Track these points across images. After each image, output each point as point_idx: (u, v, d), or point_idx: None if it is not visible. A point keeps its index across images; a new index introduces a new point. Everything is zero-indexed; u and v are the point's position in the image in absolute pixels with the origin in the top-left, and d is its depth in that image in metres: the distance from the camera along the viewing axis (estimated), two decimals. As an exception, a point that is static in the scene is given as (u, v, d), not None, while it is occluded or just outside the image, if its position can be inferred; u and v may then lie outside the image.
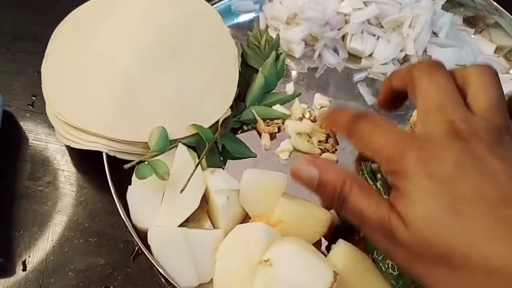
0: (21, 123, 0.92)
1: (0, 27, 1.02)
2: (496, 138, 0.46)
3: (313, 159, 0.54)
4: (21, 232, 0.80)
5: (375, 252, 0.75)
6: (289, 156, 0.90)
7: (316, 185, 0.54)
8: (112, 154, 0.79)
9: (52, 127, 0.85)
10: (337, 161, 0.89)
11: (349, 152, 0.90)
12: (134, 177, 0.77)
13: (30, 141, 0.90)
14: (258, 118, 0.90)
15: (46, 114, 0.84)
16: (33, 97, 0.94)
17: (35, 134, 0.91)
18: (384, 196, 0.81)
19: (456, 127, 0.46)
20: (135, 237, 0.73)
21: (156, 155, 0.78)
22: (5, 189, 0.84)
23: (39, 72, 0.90)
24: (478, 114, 0.49)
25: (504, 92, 0.97)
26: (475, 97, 0.50)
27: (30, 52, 0.99)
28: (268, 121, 0.91)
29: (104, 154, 0.79)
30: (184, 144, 0.80)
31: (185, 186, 0.75)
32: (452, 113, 0.47)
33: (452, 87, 0.49)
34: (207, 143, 0.81)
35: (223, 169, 0.87)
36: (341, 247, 0.75)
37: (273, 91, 0.96)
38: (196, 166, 0.77)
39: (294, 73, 1.00)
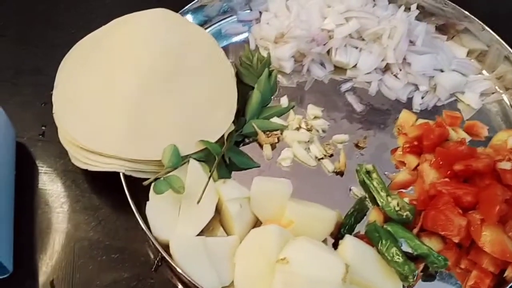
0: (34, 153, 0.96)
1: (3, 62, 1.07)
2: None
3: None
4: (46, 254, 0.85)
5: (380, 243, 0.82)
6: (290, 163, 0.96)
7: None
8: (128, 173, 0.84)
9: (64, 153, 0.90)
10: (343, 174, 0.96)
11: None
12: (151, 193, 0.82)
13: (44, 168, 0.94)
14: (259, 131, 0.97)
15: (57, 142, 0.90)
16: (42, 127, 0.99)
17: (49, 162, 0.95)
18: (381, 193, 0.89)
19: None
20: (159, 248, 0.78)
21: (170, 171, 0.83)
22: (26, 216, 0.88)
23: (46, 103, 0.96)
24: None
25: (481, 91, 1.07)
26: None
27: (35, 84, 1.04)
28: (267, 132, 0.98)
29: (121, 174, 0.84)
30: (195, 159, 0.87)
31: (201, 197, 0.81)
32: None
33: None
34: (216, 156, 0.87)
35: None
36: (349, 242, 0.82)
37: (269, 105, 1.03)
38: (209, 178, 0.83)
39: (286, 87, 1.07)
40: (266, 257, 0.78)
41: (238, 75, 1.04)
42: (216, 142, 0.90)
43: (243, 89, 1.03)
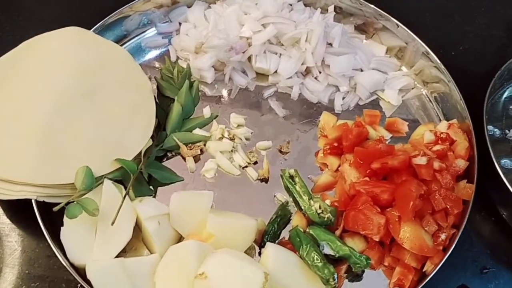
0: None
1: None
2: None
3: None
4: (-39, 290, 0.82)
5: (301, 248, 0.82)
6: (215, 175, 0.96)
7: None
8: (41, 199, 0.82)
9: (-21, 183, 0.87)
10: (268, 179, 0.96)
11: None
12: (65, 218, 0.80)
13: (-42, 200, 0.91)
14: (180, 144, 0.95)
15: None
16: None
17: (-37, 193, 0.92)
18: (303, 197, 0.89)
19: None
20: (74, 274, 0.76)
21: (84, 194, 0.82)
22: None
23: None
24: None
25: (399, 87, 1.08)
26: None
27: None
28: (190, 145, 0.97)
29: (33, 201, 0.82)
30: (110, 179, 0.85)
31: (115, 219, 0.79)
32: None
33: None
34: (132, 175, 0.86)
35: (154, 196, 0.92)
36: (270, 249, 0.82)
37: (192, 117, 1.02)
38: (124, 198, 0.82)
39: (210, 97, 1.06)
40: (186, 273, 0.77)
41: (159, 89, 1.03)
42: (134, 159, 0.89)
43: (165, 103, 1.02)
